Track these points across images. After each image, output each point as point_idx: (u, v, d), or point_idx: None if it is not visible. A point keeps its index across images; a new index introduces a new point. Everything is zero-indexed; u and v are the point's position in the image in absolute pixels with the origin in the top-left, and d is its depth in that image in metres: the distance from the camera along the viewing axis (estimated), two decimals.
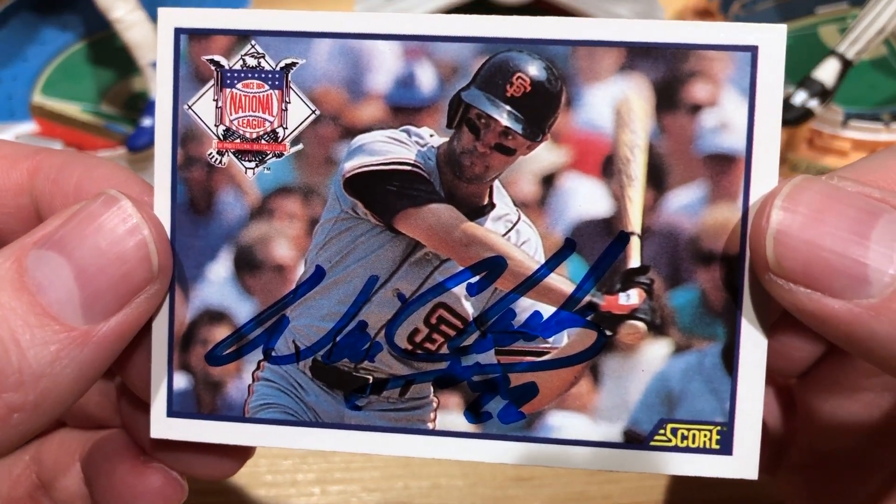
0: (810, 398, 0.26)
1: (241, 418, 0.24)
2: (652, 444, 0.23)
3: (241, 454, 0.26)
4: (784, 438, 0.28)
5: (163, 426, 0.24)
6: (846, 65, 0.42)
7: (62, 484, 0.28)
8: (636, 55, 0.22)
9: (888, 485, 0.26)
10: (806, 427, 0.27)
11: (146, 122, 0.44)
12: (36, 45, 0.52)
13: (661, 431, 0.23)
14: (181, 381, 0.24)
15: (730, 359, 0.23)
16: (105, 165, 0.24)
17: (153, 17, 0.45)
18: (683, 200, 0.23)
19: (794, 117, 0.42)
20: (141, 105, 0.48)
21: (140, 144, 0.43)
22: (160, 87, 0.24)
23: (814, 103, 0.42)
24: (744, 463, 0.23)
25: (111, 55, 0.51)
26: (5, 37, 0.52)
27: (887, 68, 0.50)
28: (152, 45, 0.43)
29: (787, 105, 0.42)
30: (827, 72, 0.42)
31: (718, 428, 0.23)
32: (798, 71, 0.44)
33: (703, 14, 0.53)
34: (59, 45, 0.52)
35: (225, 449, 0.25)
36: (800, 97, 0.42)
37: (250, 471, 0.37)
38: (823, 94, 0.42)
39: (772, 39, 0.22)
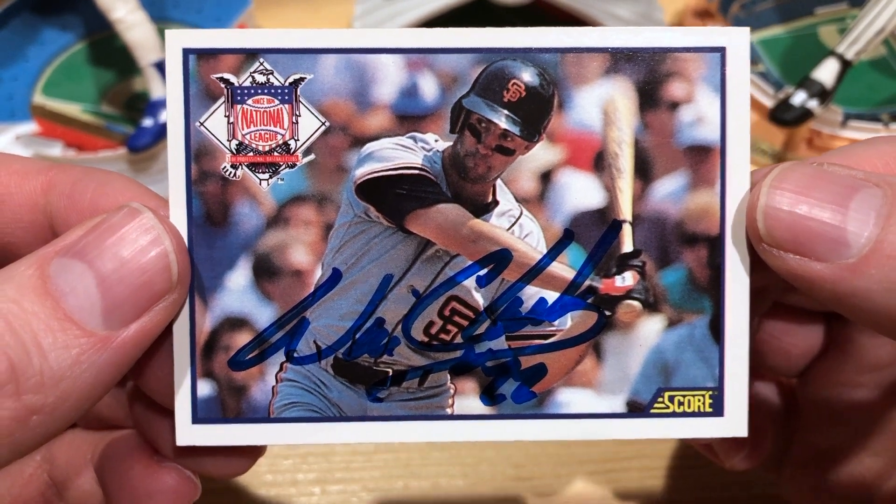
0: (809, 396, 0.29)
1: (267, 419, 0.25)
2: (652, 411, 0.25)
3: (254, 452, 0.27)
4: (786, 437, 0.31)
5: (188, 433, 0.25)
6: (845, 65, 0.43)
7: (75, 483, 0.28)
8: (619, 59, 0.25)
9: (882, 477, 0.29)
10: (806, 425, 0.30)
11: (147, 122, 0.44)
12: (36, 46, 0.52)
13: (660, 399, 0.25)
14: (205, 388, 0.25)
15: (717, 329, 0.25)
16: (119, 180, 0.25)
17: (153, 18, 0.45)
18: (668, 189, 0.25)
19: (793, 117, 0.43)
20: (141, 105, 0.48)
21: (140, 145, 0.43)
22: (171, 105, 0.25)
23: (813, 103, 0.43)
24: (734, 422, 0.25)
25: (111, 55, 0.51)
26: (6, 37, 0.52)
27: (886, 69, 0.51)
28: (153, 45, 0.43)
29: (786, 105, 0.43)
30: (826, 72, 0.43)
31: (710, 392, 0.25)
32: (798, 71, 0.45)
33: (703, 15, 0.53)
34: (59, 46, 0.52)
35: (239, 448, 0.26)
36: (799, 97, 0.43)
37: (251, 470, 0.37)
38: (823, 94, 0.43)
39: (737, 40, 0.25)
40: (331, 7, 0.55)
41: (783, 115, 0.44)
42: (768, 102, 0.47)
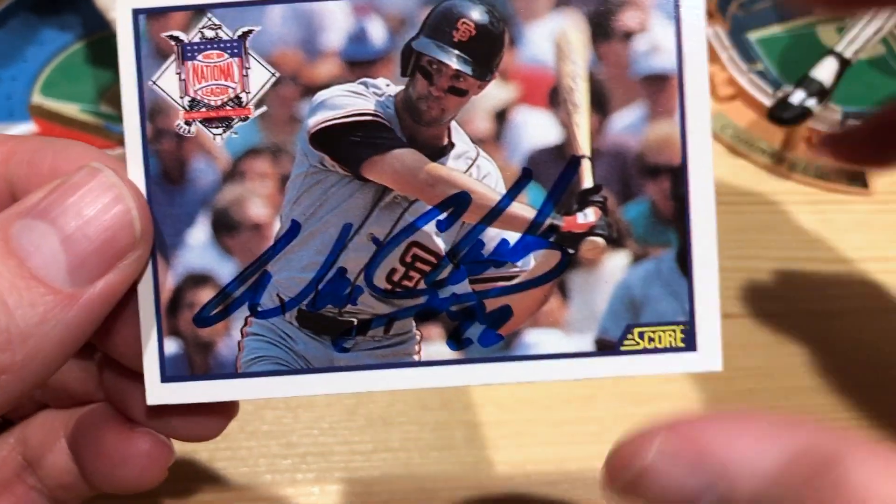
0: None
1: (235, 374, 0.25)
2: (622, 348, 0.25)
3: (226, 413, 0.27)
4: None
5: (158, 392, 0.25)
6: (844, 64, 0.43)
7: (48, 461, 0.28)
8: None
9: None
10: None
11: None
12: (35, 46, 0.52)
13: (630, 336, 0.25)
14: (172, 346, 0.25)
15: (684, 262, 0.25)
16: (77, 146, 0.25)
17: None
18: (626, 121, 0.25)
19: (792, 116, 0.43)
20: None
21: None
22: (123, 67, 0.25)
23: (812, 102, 0.43)
24: (708, 357, 0.25)
25: (111, 55, 0.50)
26: (5, 37, 0.52)
27: (885, 67, 0.50)
28: None
29: (785, 104, 0.44)
30: (825, 71, 0.43)
31: (682, 327, 0.25)
32: (796, 70, 0.46)
33: None
34: (58, 46, 0.52)
35: (211, 409, 0.26)
36: (798, 96, 0.43)
37: (249, 470, 0.37)
38: (822, 93, 0.43)
39: None
40: None
41: (782, 114, 0.44)
42: (767, 101, 0.47)
